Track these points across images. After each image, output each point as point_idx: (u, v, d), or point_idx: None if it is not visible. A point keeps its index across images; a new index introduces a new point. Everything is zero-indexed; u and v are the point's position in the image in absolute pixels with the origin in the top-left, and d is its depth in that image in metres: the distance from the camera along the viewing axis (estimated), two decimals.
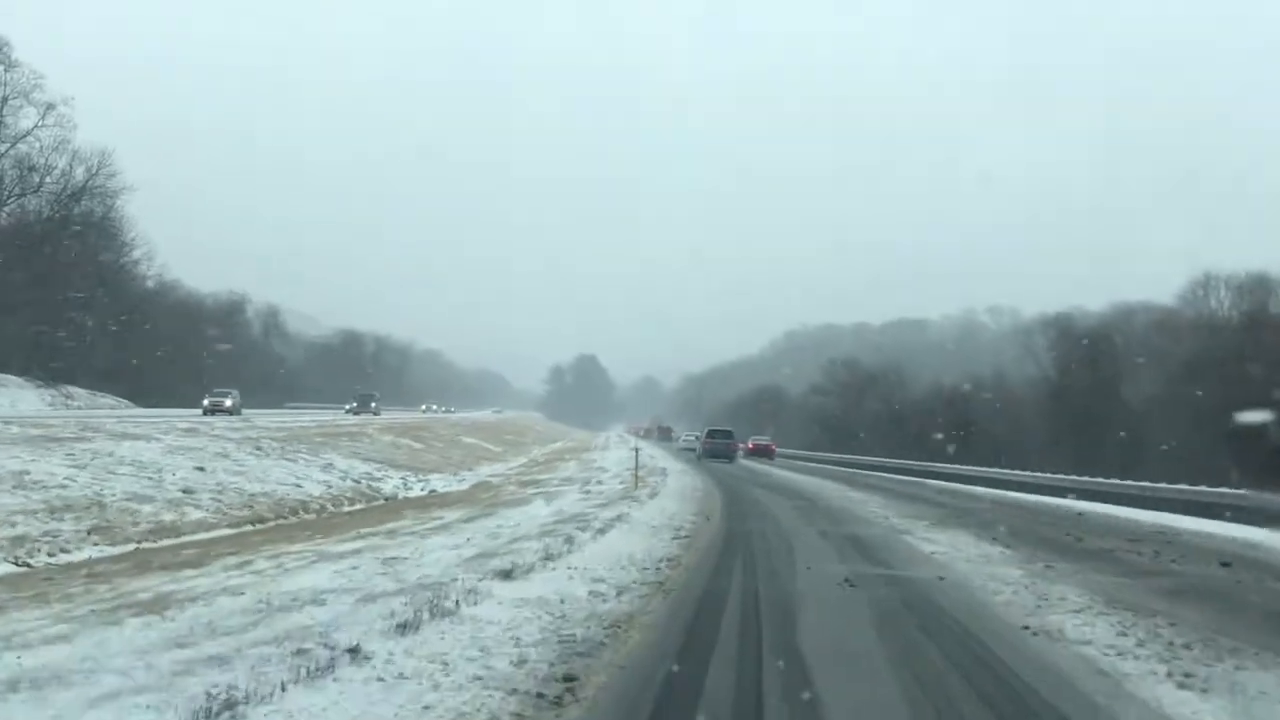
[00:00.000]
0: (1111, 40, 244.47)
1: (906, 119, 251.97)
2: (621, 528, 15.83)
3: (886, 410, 62.88)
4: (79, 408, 52.54)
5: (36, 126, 56.35)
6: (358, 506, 27.51)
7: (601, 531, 14.99)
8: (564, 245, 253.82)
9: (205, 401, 48.00)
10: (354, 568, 10.93)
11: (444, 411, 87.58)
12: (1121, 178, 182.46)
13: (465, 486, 33.83)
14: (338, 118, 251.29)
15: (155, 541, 17.29)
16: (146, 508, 19.82)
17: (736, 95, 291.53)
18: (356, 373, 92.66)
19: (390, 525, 17.32)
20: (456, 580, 9.68)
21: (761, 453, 58.56)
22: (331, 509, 25.99)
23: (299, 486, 27.58)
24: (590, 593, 9.40)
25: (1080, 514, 21.07)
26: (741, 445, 58.37)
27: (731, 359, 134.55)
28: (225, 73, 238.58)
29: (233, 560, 12.66)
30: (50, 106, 55.78)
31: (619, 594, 9.45)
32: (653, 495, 22.97)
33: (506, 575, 10.16)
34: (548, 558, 11.57)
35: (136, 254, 68.88)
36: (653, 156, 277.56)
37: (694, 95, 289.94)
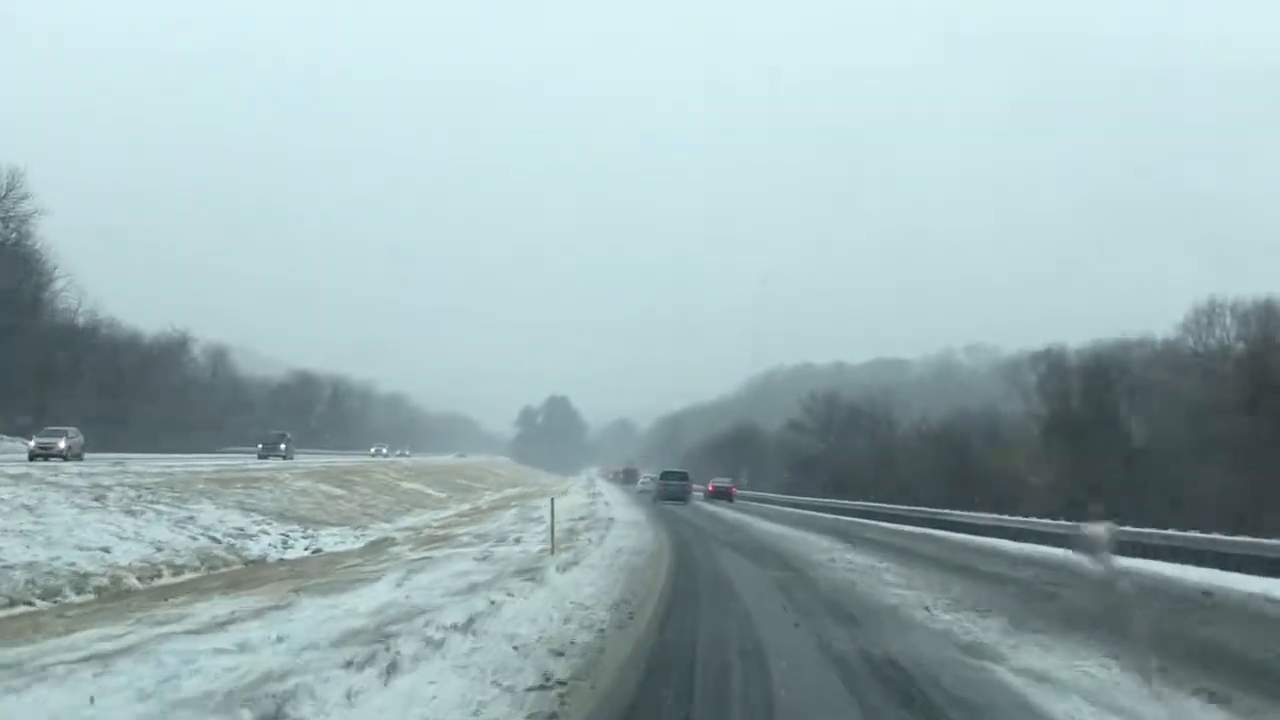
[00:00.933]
0: (1087, 86, 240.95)
1: (878, 162, 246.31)
2: (452, 652, 8.04)
3: (873, 449, 55.19)
4: None
5: None
6: (185, 577, 19.69)
7: (395, 671, 7.19)
8: (537, 286, 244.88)
9: (31, 443, 36.90)
10: None
11: (397, 455, 79.05)
12: (1098, 217, 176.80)
13: (358, 545, 25.87)
14: (304, 166, 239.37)
15: None
16: None
17: (713, 139, 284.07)
18: (311, 415, 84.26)
19: (40, 645, 9.44)
20: None
21: (721, 495, 54.29)
22: (135, 583, 18.12)
23: (106, 552, 19.66)
24: None
25: (1207, 593, 13.36)
26: (699, 487, 55.74)
27: (710, 399, 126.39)
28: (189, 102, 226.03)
29: None
30: None
31: None
32: (570, 565, 15.13)
33: None
34: None
35: (58, 284, 60.93)
36: (626, 197, 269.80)
37: (672, 132, 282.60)
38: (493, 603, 10.73)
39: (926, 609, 11.06)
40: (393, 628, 9.10)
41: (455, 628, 9.03)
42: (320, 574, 16.23)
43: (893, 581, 14.03)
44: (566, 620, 9.85)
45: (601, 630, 9.35)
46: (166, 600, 12.98)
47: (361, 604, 11.22)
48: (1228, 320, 55.64)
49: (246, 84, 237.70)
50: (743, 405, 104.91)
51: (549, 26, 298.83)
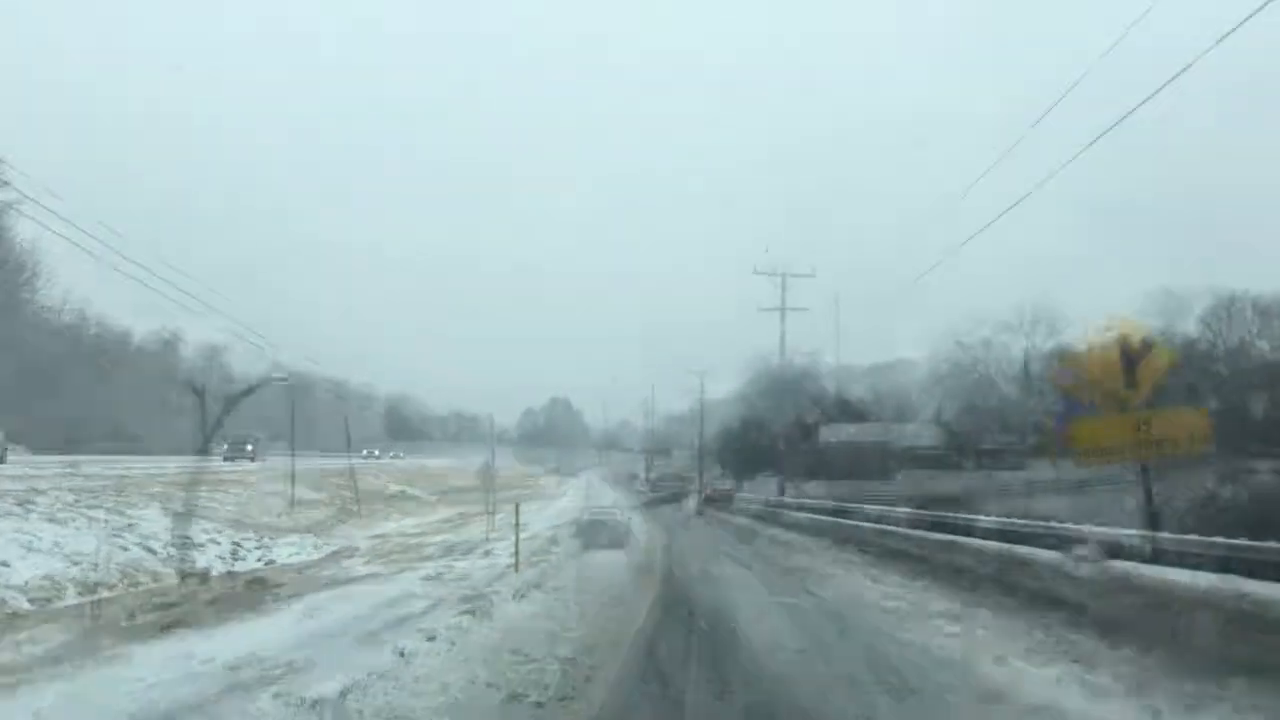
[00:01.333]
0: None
1: (878, 161, 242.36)
2: None
3: (882, 451, 52.07)
4: None
5: None
6: (96, 596, 16.38)
7: None
8: (538, 287, 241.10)
9: None
10: None
11: (391, 457, 75.75)
12: (1107, 215, 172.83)
13: (316, 555, 22.67)
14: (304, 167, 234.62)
15: None
16: None
17: (713, 138, 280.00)
18: (306, 417, 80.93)
19: None
20: None
21: (719, 498, 50.90)
22: (25, 605, 14.89)
23: (5, 566, 16.47)
24: None
25: None
26: (694, 490, 53.87)
27: (712, 399, 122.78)
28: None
29: None
30: None
31: None
32: (530, 589, 12.01)
33: None
34: None
35: (40, 281, 57.87)
36: (626, 197, 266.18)
37: (672, 133, 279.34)
38: (402, 654, 7.61)
39: (1002, 660, 7.86)
40: (221, 704, 5.93)
41: (315, 705, 5.87)
42: (226, 597, 13.09)
43: (941, 612, 10.88)
44: (491, 683, 6.69)
45: (540, 703, 6.17)
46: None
47: (227, 650, 8.09)
48: (1249, 315, 52.45)
49: (247, 83, 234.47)
50: (745, 406, 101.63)
51: (549, 26, 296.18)
